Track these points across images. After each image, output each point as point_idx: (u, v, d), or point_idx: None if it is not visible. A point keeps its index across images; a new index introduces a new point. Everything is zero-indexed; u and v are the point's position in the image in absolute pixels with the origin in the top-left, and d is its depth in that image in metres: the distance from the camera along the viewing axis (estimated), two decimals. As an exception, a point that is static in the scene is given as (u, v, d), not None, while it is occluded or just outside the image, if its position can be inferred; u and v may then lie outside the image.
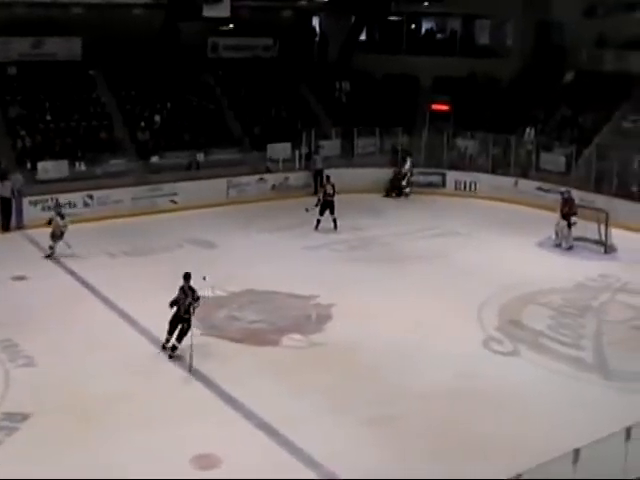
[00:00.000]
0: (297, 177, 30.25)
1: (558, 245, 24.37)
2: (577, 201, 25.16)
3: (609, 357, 16.83)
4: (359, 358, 16.41)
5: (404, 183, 30.66)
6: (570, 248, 24.09)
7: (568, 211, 24.27)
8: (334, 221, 25.51)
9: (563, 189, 25.71)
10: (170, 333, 16.19)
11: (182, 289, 16.04)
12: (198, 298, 16.06)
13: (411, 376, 15.66)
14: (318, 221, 25.47)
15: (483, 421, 14.01)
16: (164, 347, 16.34)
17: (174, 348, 16.14)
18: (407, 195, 30.47)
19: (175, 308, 16.02)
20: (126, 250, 23.12)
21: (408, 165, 30.81)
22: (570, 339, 17.67)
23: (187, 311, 15.95)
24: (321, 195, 25.82)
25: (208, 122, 31.36)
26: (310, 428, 13.53)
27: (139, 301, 18.72)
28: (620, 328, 18.43)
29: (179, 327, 16.06)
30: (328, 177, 27.02)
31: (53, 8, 30.06)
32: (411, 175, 30.90)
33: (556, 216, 24.72)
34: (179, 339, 16.10)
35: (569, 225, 24.25)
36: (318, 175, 29.57)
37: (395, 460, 12.73)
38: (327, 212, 25.48)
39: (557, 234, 24.50)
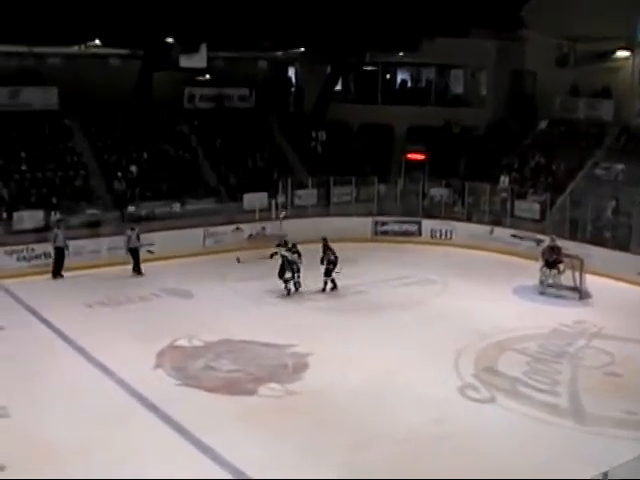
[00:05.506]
0: (274, 226, 30.25)
1: (543, 293, 24.44)
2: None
3: (585, 403, 16.86)
4: (336, 405, 16.34)
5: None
6: (561, 296, 24.20)
7: (556, 258, 24.46)
8: (326, 283, 24.51)
9: (547, 237, 26.05)
10: None
11: None
12: None
13: (388, 422, 15.63)
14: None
15: (459, 467, 13.94)
16: None
17: None
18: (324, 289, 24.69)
19: None
20: (102, 300, 22.98)
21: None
22: (546, 385, 17.69)
23: None
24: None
25: (184, 172, 31.42)
26: (286, 476, 13.40)
27: (114, 351, 18.62)
28: (595, 374, 18.47)
29: None
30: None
31: (30, 58, 30.29)
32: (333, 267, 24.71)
33: (535, 263, 25.02)
34: None
35: (559, 272, 24.44)
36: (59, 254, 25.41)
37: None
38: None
39: (542, 282, 24.60)
